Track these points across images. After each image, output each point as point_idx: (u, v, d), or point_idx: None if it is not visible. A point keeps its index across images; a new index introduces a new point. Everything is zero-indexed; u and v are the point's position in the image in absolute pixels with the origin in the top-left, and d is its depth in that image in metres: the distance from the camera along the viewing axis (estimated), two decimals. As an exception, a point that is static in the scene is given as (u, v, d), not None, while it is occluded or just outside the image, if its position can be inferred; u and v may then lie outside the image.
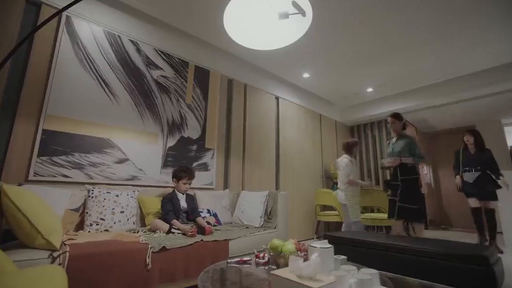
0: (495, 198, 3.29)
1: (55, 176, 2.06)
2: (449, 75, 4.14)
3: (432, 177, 6.40)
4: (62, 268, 1.10)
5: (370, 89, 4.70)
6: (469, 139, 3.56)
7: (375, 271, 1.02)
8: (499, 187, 3.29)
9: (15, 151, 1.93)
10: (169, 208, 2.14)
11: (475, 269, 1.47)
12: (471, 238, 4.34)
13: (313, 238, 4.23)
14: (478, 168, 3.38)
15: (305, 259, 1.14)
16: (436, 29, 3.02)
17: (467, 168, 3.49)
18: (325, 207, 4.35)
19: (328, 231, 4.61)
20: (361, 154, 5.59)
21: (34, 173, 1.97)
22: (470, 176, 3.45)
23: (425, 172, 6.09)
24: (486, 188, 3.30)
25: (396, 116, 3.04)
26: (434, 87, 4.40)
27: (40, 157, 2.01)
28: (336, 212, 4.04)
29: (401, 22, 2.91)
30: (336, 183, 4.82)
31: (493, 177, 3.30)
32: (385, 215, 3.52)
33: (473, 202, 3.39)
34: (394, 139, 3.07)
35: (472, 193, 3.40)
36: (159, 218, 2.09)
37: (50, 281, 0.95)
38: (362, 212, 3.89)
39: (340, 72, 4.10)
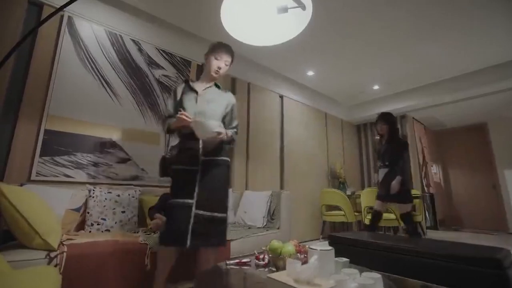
0: (406, 200, 2.71)
1: (58, 176, 2.06)
2: (458, 71, 4.00)
3: (442, 176, 6.23)
4: (56, 269, 1.08)
5: (376, 87, 4.60)
6: (382, 128, 2.87)
7: (378, 275, 0.97)
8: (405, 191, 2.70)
9: (18, 151, 1.94)
10: (157, 206, 2.11)
11: (487, 272, 1.39)
12: (484, 239, 4.21)
13: (318, 239, 4.16)
14: (386, 163, 2.80)
15: (305, 262, 1.09)
16: (443, 25, 2.92)
17: (380, 164, 2.89)
18: (331, 207, 4.28)
19: (334, 232, 4.54)
20: (368, 153, 5.50)
21: (37, 173, 1.98)
22: (380, 174, 2.86)
23: (434, 171, 5.93)
24: (391, 188, 2.67)
25: (224, 49, 1.68)
26: (442, 83, 4.27)
27: (43, 157, 2.02)
28: (342, 212, 3.96)
29: (408, 18, 2.82)
30: (342, 183, 4.74)
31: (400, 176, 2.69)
32: (392, 215, 3.43)
33: (377, 204, 2.84)
34: (202, 88, 1.66)
35: (379, 195, 2.84)
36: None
37: (43, 282, 0.93)
38: (369, 212, 3.82)
39: (345, 69, 4.01)
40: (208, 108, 1.60)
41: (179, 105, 1.61)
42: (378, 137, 2.97)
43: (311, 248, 1.05)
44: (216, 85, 1.73)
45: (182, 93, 1.65)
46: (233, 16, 1.39)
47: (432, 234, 4.59)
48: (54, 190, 1.89)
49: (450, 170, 6.23)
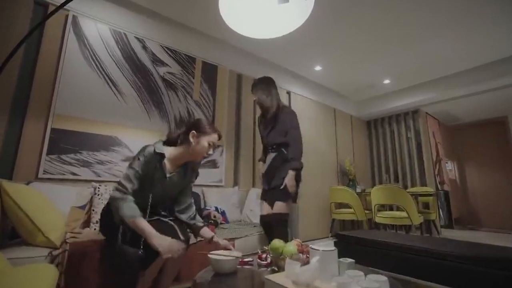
0: (282, 197, 1.89)
1: (64, 174, 2.09)
2: (474, 62, 3.81)
3: (458, 173, 6.00)
4: (54, 267, 1.08)
5: (387, 81, 4.45)
6: (258, 99, 2.10)
7: (384, 278, 0.91)
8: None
9: (25, 149, 1.97)
10: None
11: (501, 275, 1.30)
12: (503, 239, 4.02)
13: (327, 237, 4.09)
14: (274, 147, 2.03)
15: (307, 262, 1.05)
16: (457, 13, 2.76)
17: (269, 148, 2.09)
18: (340, 205, 4.19)
19: (344, 230, 4.45)
20: (378, 150, 5.35)
21: (44, 171, 2.01)
22: (268, 161, 2.08)
23: (449, 168, 5.72)
24: (274, 180, 1.95)
25: (218, 134, 1.52)
26: (457, 76, 4.08)
27: (49, 155, 2.04)
28: (351, 210, 3.87)
29: (419, 6, 2.69)
30: (352, 180, 4.63)
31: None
32: (404, 213, 3.32)
33: (264, 207, 2.02)
34: (172, 170, 1.47)
35: (263, 192, 2.09)
36: None
37: (39, 279, 0.92)
38: (379, 210, 3.71)
39: (354, 63, 3.90)
40: (172, 192, 1.51)
41: (144, 179, 1.35)
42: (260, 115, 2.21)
43: (313, 248, 1.00)
44: (185, 166, 1.53)
45: (152, 166, 1.37)
46: (233, 9, 1.35)
47: (446, 233, 4.43)
48: (60, 188, 1.91)
49: (467, 166, 5.98)
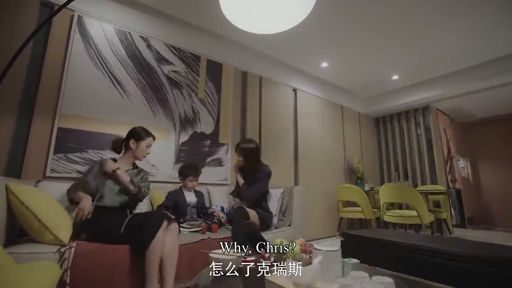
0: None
1: (71, 173, 2.11)
2: (485, 57, 3.67)
3: (470, 171, 5.83)
4: (56, 264, 1.08)
5: (395, 77, 4.34)
6: (239, 160, 2.33)
7: (390, 280, 0.87)
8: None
9: (33, 149, 2.00)
10: (165, 204, 2.11)
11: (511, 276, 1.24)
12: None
13: (335, 236, 4.04)
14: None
15: (310, 263, 1.02)
16: (466, 7, 2.65)
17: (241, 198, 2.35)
18: (348, 203, 4.13)
19: (351, 229, 4.38)
20: (387, 147, 5.24)
21: (51, 170, 2.03)
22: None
23: (462, 165, 5.56)
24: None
25: (152, 137, 1.95)
26: (468, 71, 3.95)
27: (56, 154, 2.07)
28: (359, 209, 3.80)
29: (426, 1, 2.60)
30: (360, 178, 4.55)
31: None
32: (414, 212, 3.24)
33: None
34: (125, 169, 1.85)
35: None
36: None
37: (40, 276, 0.93)
38: (388, 209, 3.64)
39: (361, 59, 3.81)
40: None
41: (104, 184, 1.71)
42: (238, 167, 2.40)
43: (316, 249, 0.97)
44: (135, 166, 1.92)
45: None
46: (233, 3, 1.32)
47: (459, 233, 4.31)
48: (67, 186, 1.92)
49: (480, 164, 5.80)
